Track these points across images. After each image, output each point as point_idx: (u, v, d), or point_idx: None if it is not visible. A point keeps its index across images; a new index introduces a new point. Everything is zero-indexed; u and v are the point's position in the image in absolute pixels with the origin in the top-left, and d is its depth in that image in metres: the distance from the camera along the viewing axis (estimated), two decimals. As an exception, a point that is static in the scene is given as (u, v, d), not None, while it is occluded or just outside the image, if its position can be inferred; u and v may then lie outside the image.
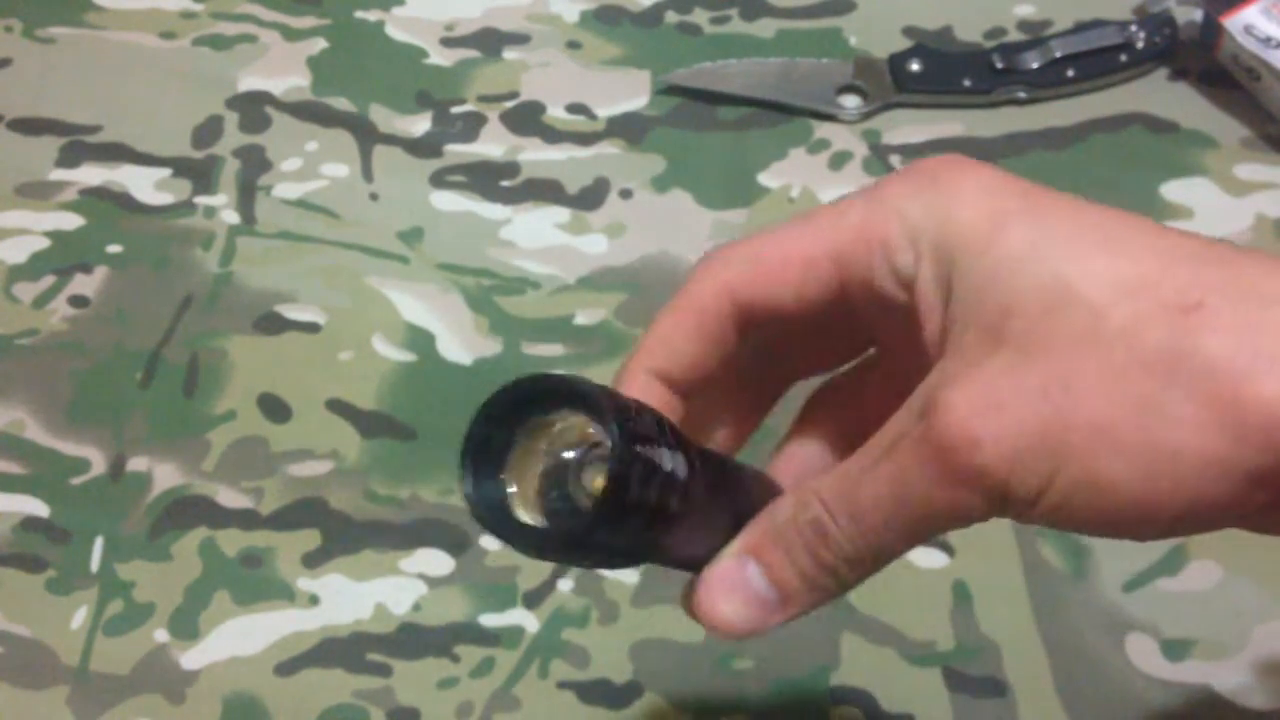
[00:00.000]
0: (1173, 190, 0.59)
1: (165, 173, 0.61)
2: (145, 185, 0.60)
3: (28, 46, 0.66)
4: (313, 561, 0.50)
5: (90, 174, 0.61)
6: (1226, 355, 0.24)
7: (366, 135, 0.62)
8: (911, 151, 0.61)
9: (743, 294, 0.30)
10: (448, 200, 0.60)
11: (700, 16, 0.66)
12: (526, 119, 0.62)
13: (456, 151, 0.61)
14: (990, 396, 0.25)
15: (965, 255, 0.27)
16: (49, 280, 0.58)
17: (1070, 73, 0.62)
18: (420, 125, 0.62)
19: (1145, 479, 0.24)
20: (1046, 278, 0.26)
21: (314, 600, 0.49)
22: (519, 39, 0.65)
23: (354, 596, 0.49)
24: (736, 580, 0.29)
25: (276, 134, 0.62)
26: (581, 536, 0.26)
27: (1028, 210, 0.27)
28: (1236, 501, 0.24)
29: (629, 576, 0.49)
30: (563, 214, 0.59)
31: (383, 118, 0.63)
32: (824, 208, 0.30)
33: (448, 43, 0.66)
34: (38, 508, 0.51)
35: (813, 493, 0.28)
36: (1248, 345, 0.24)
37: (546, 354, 0.55)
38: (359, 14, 0.67)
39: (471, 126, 0.62)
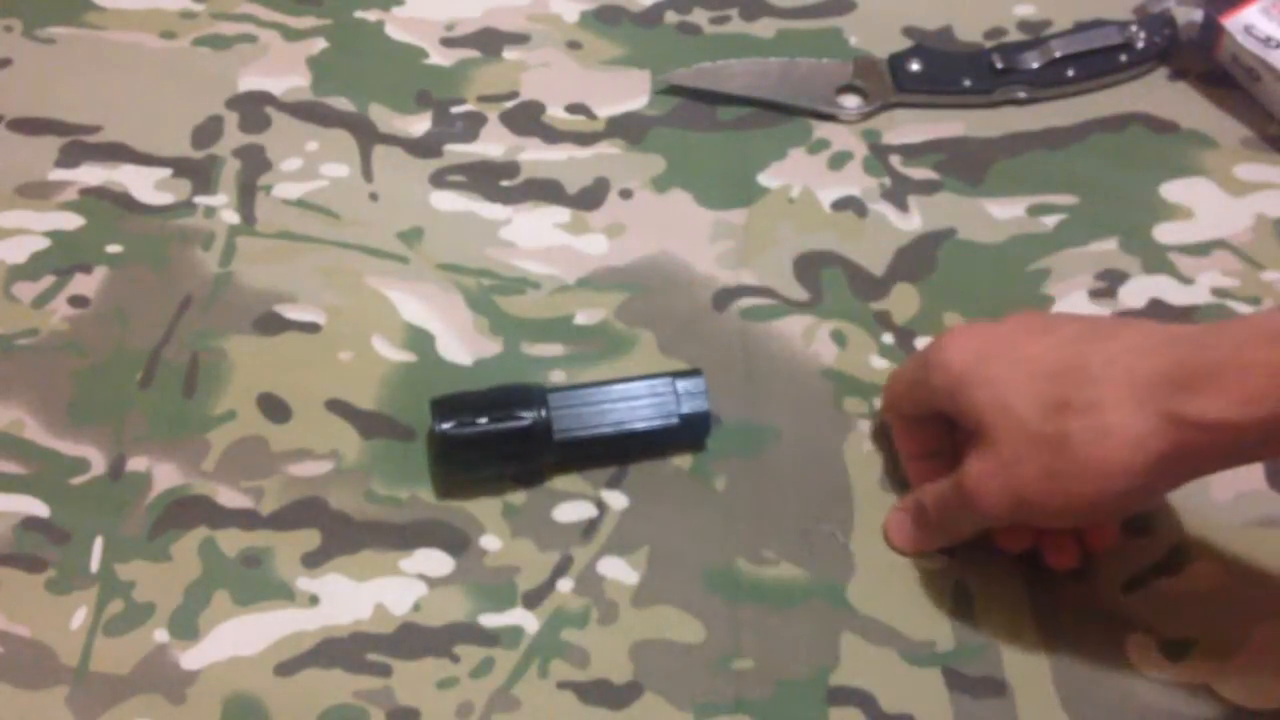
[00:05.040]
0: (1173, 190, 0.59)
1: (165, 173, 0.61)
2: (145, 185, 0.60)
3: (28, 46, 0.66)
4: (313, 561, 0.50)
5: (90, 174, 0.61)
6: (1081, 431, 0.42)
7: (366, 135, 0.62)
8: (911, 151, 0.61)
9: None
10: (448, 200, 0.60)
11: (700, 16, 0.66)
12: (526, 119, 0.62)
13: (456, 151, 0.61)
14: (979, 470, 0.45)
15: (961, 390, 0.46)
16: (49, 280, 0.58)
17: (1070, 73, 0.62)
18: (420, 125, 0.62)
19: (1057, 512, 0.44)
20: (1000, 403, 0.45)
21: (314, 600, 0.49)
22: (519, 39, 0.65)
23: (354, 596, 0.49)
24: (899, 522, 0.51)
25: (276, 134, 0.62)
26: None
27: (988, 358, 0.46)
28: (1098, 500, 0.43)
29: (629, 577, 0.50)
30: (563, 214, 0.59)
31: (383, 118, 0.63)
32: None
33: (448, 43, 0.65)
34: (38, 508, 0.51)
35: (923, 491, 0.50)
36: (1095, 423, 0.42)
37: (546, 354, 0.55)
38: (359, 14, 0.67)
39: (471, 126, 0.62)
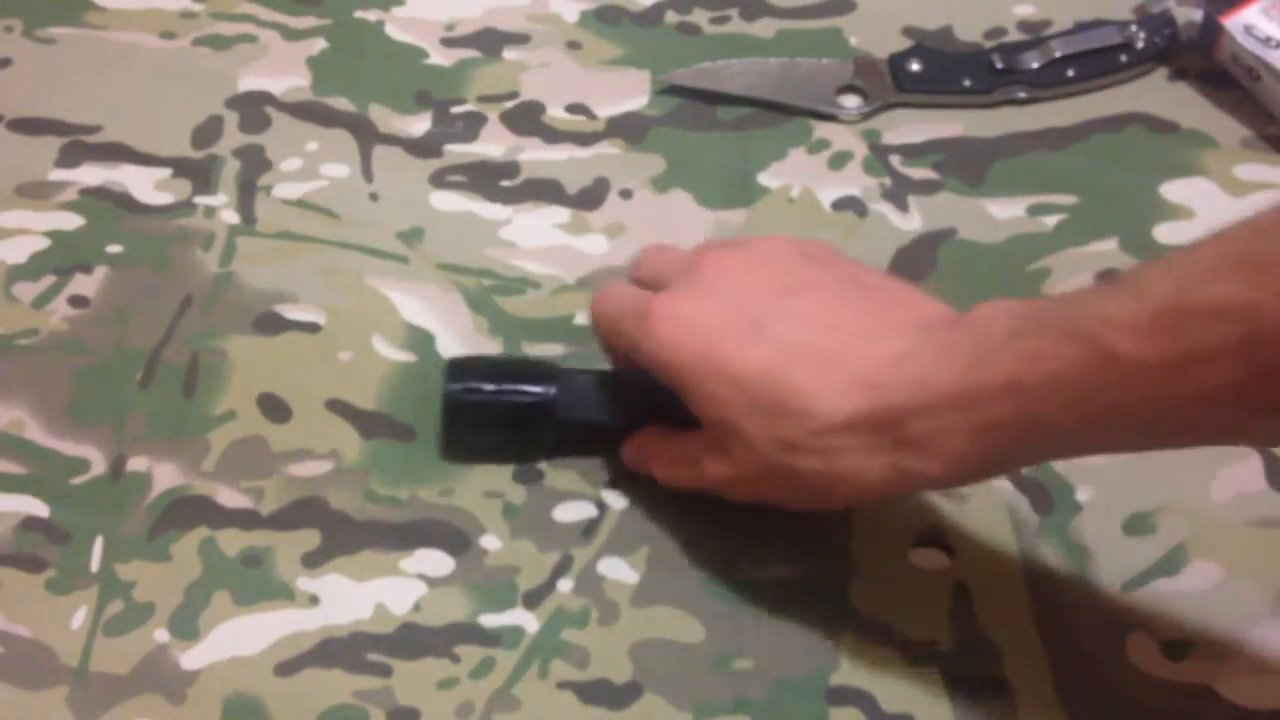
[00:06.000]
0: (1173, 190, 0.59)
1: (165, 173, 0.61)
2: (145, 185, 0.60)
3: (28, 46, 0.66)
4: (313, 561, 0.50)
5: (90, 174, 0.61)
6: (813, 474, 0.43)
7: (366, 135, 0.62)
8: (911, 151, 0.61)
9: None
10: (448, 200, 0.60)
11: (700, 16, 0.66)
12: (526, 119, 0.63)
13: (456, 151, 0.61)
14: (720, 475, 0.46)
15: (684, 392, 0.46)
16: (49, 280, 0.58)
17: (1070, 73, 0.62)
18: (420, 125, 0.62)
19: (803, 512, 0.47)
20: (730, 426, 0.44)
21: (314, 600, 0.49)
22: (519, 39, 0.65)
23: (354, 596, 0.49)
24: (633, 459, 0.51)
25: (276, 134, 0.62)
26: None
27: (702, 372, 0.45)
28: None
29: (629, 577, 0.50)
30: (563, 214, 0.59)
31: (383, 118, 0.63)
32: None
33: (448, 43, 0.66)
34: (38, 508, 0.51)
35: (656, 457, 0.50)
36: (825, 467, 0.43)
37: (547, 354, 0.55)
38: (359, 14, 0.67)
39: (471, 126, 0.62)
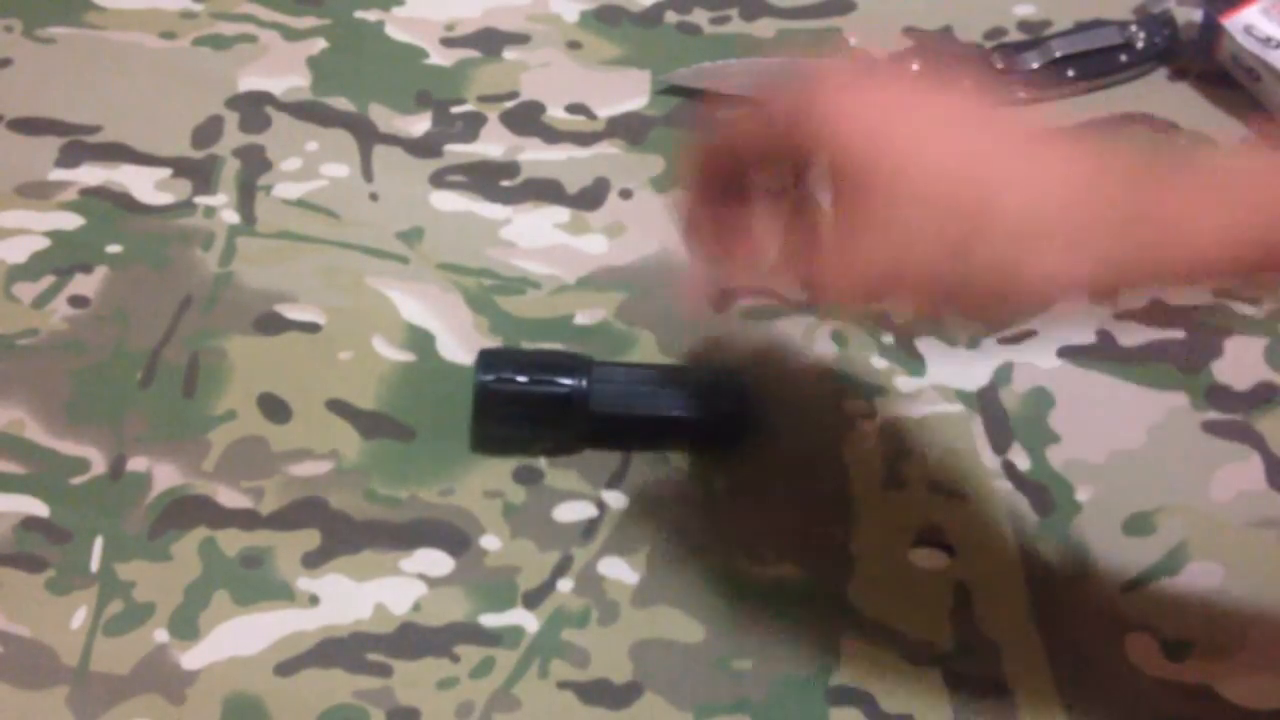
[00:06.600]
0: (1173, 190, 0.59)
1: (165, 173, 0.61)
2: (145, 185, 0.60)
3: (28, 46, 0.66)
4: (313, 561, 0.50)
5: (90, 174, 0.61)
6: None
7: (366, 135, 0.62)
8: (911, 151, 0.61)
9: None
10: (448, 200, 0.60)
11: (700, 16, 0.66)
12: (526, 119, 0.63)
13: (456, 151, 0.61)
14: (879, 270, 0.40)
15: (859, 172, 0.40)
16: (49, 280, 0.58)
17: (1070, 73, 0.62)
18: (420, 125, 0.62)
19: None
20: (903, 228, 0.39)
21: (314, 600, 0.49)
22: (519, 39, 0.65)
23: (354, 596, 0.49)
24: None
25: (276, 134, 0.62)
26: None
27: (887, 164, 0.39)
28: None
29: (629, 577, 0.50)
30: (563, 214, 0.59)
31: (383, 118, 0.63)
32: None
33: (448, 43, 0.66)
34: (38, 508, 0.51)
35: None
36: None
37: (546, 354, 0.55)
38: (359, 14, 0.67)
39: (471, 126, 0.62)
